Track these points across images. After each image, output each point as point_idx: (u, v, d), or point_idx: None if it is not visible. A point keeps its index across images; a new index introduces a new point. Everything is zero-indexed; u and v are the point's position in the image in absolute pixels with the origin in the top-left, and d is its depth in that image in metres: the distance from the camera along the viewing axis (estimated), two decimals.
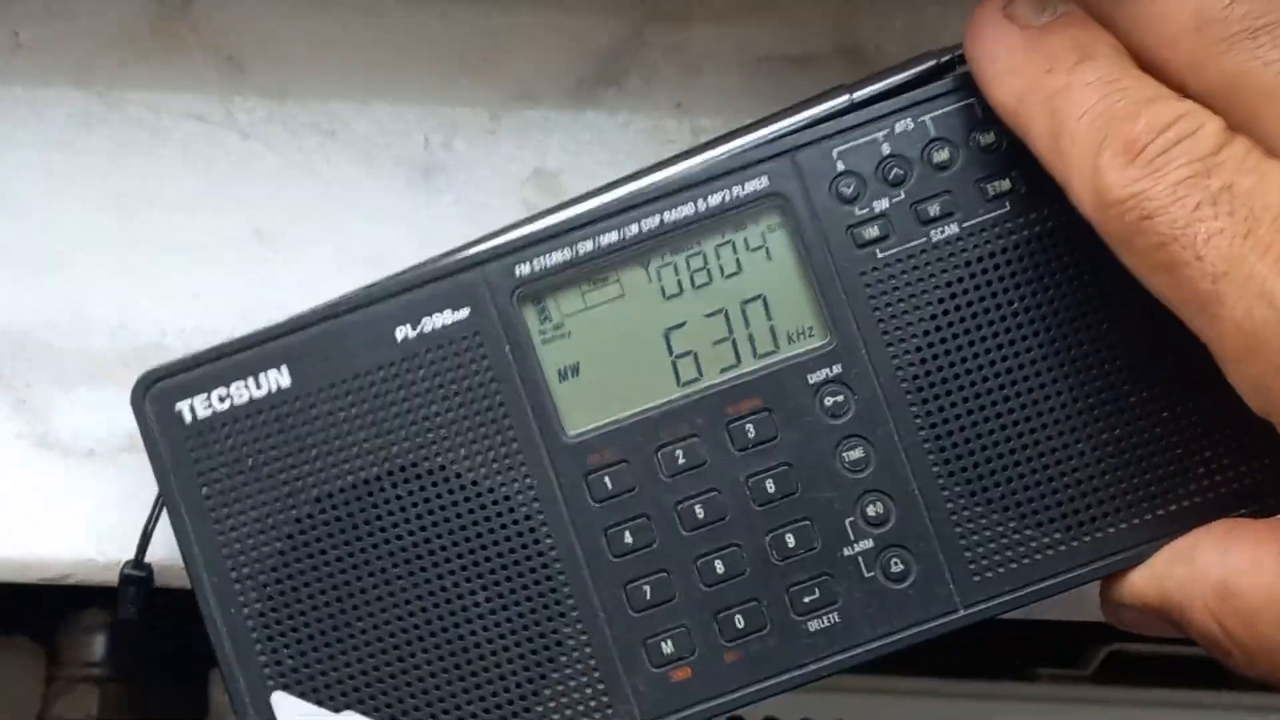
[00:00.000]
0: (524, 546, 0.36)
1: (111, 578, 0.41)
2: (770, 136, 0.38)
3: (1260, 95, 0.30)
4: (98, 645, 0.53)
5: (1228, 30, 0.31)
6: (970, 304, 0.36)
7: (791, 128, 0.38)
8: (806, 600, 0.36)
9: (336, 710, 0.36)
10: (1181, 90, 0.31)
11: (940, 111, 0.37)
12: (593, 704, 0.36)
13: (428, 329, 0.36)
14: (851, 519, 0.36)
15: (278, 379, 0.36)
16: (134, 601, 0.40)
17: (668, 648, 0.36)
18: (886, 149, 0.37)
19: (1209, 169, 0.30)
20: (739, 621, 0.36)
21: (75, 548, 0.41)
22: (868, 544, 0.36)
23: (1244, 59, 0.30)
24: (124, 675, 0.54)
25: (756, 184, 0.37)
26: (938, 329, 0.36)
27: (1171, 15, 0.32)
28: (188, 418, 0.36)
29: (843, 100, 0.39)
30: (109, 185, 0.42)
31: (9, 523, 0.41)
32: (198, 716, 0.57)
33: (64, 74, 0.43)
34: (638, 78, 0.43)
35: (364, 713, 0.36)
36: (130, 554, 0.40)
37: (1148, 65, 0.32)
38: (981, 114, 0.37)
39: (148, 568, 0.40)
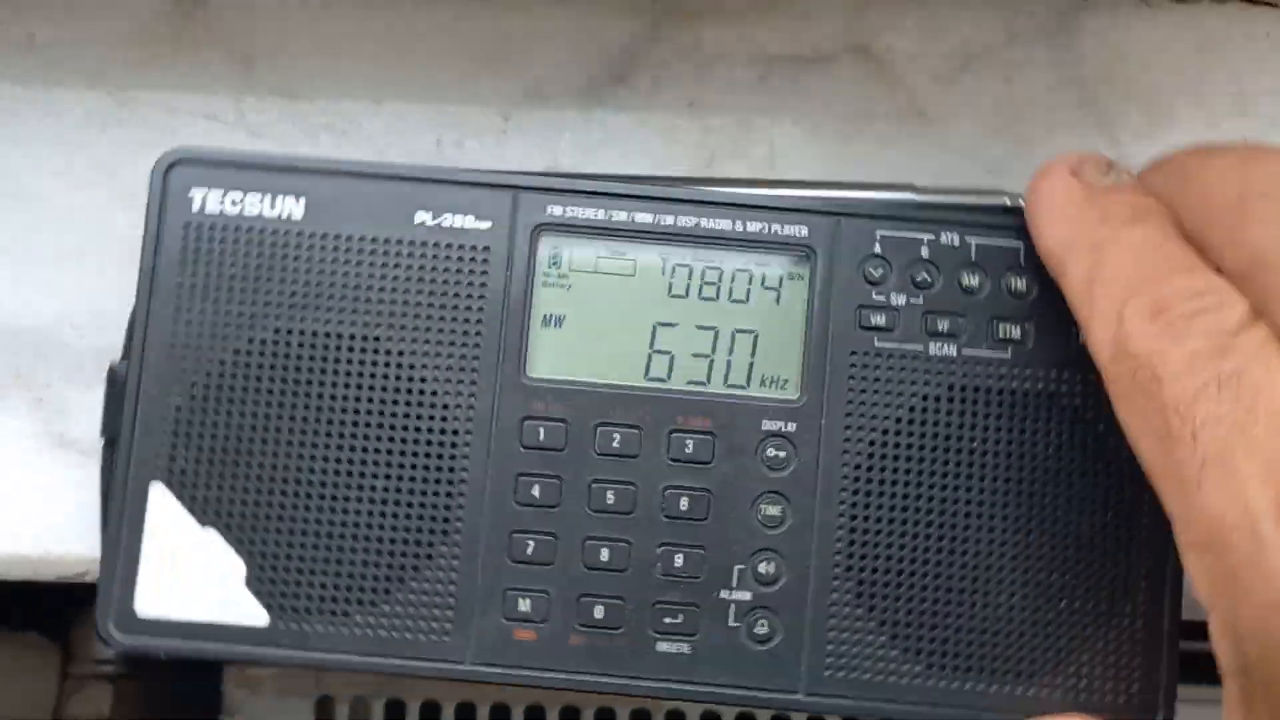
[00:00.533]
0: (440, 457, 0.37)
1: None
2: (829, 196, 0.39)
3: None
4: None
5: (1265, 208, 0.31)
6: (936, 425, 0.37)
7: (852, 196, 0.39)
8: (667, 621, 0.37)
9: (202, 524, 0.36)
10: (1219, 268, 0.32)
11: (987, 241, 0.38)
12: (435, 625, 0.36)
13: (446, 224, 0.37)
14: (742, 567, 0.37)
15: (292, 208, 0.37)
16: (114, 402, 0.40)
17: (524, 605, 0.36)
18: (925, 252, 0.38)
19: (1225, 348, 0.30)
20: (598, 612, 0.36)
21: (91, 546, 0.41)
22: (745, 596, 0.37)
23: (1274, 242, 0.31)
24: (137, 672, 0.55)
25: (795, 230, 0.38)
26: (897, 434, 0.37)
27: (1217, 190, 0.32)
28: (196, 206, 0.37)
29: (908, 195, 0.40)
30: (123, 184, 0.42)
31: (26, 520, 0.41)
32: (210, 714, 0.58)
33: (79, 74, 0.43)
34: (649, 77, 0.44)
35: (225, 537, 0.36)
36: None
37: (1195, 244, 0.33)
38: (1024, 261, 0.37)
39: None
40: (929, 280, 0.37)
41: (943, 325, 0.37)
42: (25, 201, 0.43)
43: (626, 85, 0.44)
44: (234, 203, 0.37)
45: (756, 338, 0.38)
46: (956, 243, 0.38)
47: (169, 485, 0.37)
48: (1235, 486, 0.29)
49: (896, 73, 0.44)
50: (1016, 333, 0.37)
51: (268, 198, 0.37)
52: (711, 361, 0.38)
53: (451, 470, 0.37)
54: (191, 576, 0.36)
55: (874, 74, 0.43)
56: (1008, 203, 0.40)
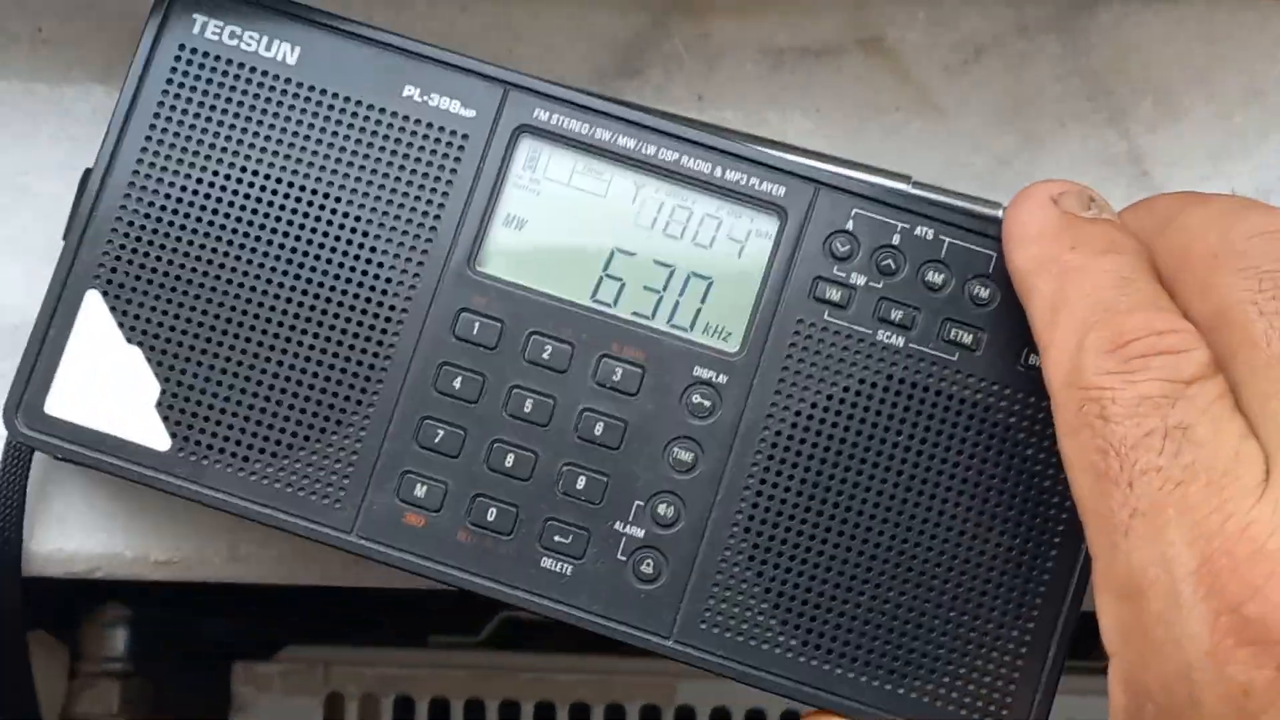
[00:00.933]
0: (370, 327, 0.37)
1: (140, 572, 0.42)
2: (818, 165, 0.39)
3: (1243, 339, 0.30)
4: (119, 640, 0.54)
5: (1240, 263, 0.30)
6: (867, 411, 0.37)
7: (839, 169, 0.39)
8: (556, 539, 0.36)
9: (128, 341, 0.37)
10: (1187, 313, 0.31)
11: (961, 242, 0.37)
12: (329, 489, 0.36)
13: (431, 104, 0.37)
14: (641, 504, 0.36)
15: (287, 54, 0.37)
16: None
17: (419, 491, 0.36)
18: (896, 239, 0.37)
19: (1176, 396, 0.29)
20: (491, 514, 0.36)
21: (102, 542, 0.42)
22: (639, 532, 0.36)
23: (1242, 298, 0.30)
24: (146, 670, 0.55)
25: (772, 188, 0.37)
26: (825, 411, 0.37)
27: (1197, 238, 0.32)
28: (196, 29, 0.37)
29: (902, 184, 0.40)
30: None
31: (36, 517, 0.41)
32: (219, 711, 0.58)
33: (88, 69, 0.43)
34: (658, 69, 0.43)
35: (146, 357, 0.37)
36: (158, 547, 0.42)
37: (1168, 287, 0.32)
38: (993, 269, 0.37)
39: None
40: (893, 268, 0.37)
41: (896, 315, 0.37)
42: (33, 197, 0.42)
43: (636, 79, 0.43)
44: (232, 36, 0.37)
45: (710, 285, 0.37)
46: (930, 237, 0.37)
47: (104, 295, 0.37)
48: (1162, 544, 0.28)
49: (906, 64, 0.43)
50: (968, 338, 0.37)
51: (265, 39, 0.37)
52: (660, 298, 0.37)
53: (379, 344, 0.37)
54: (106, 388, 0.37)
55: (883, 66, 0.43)
56: (1000, 214, 0.39)
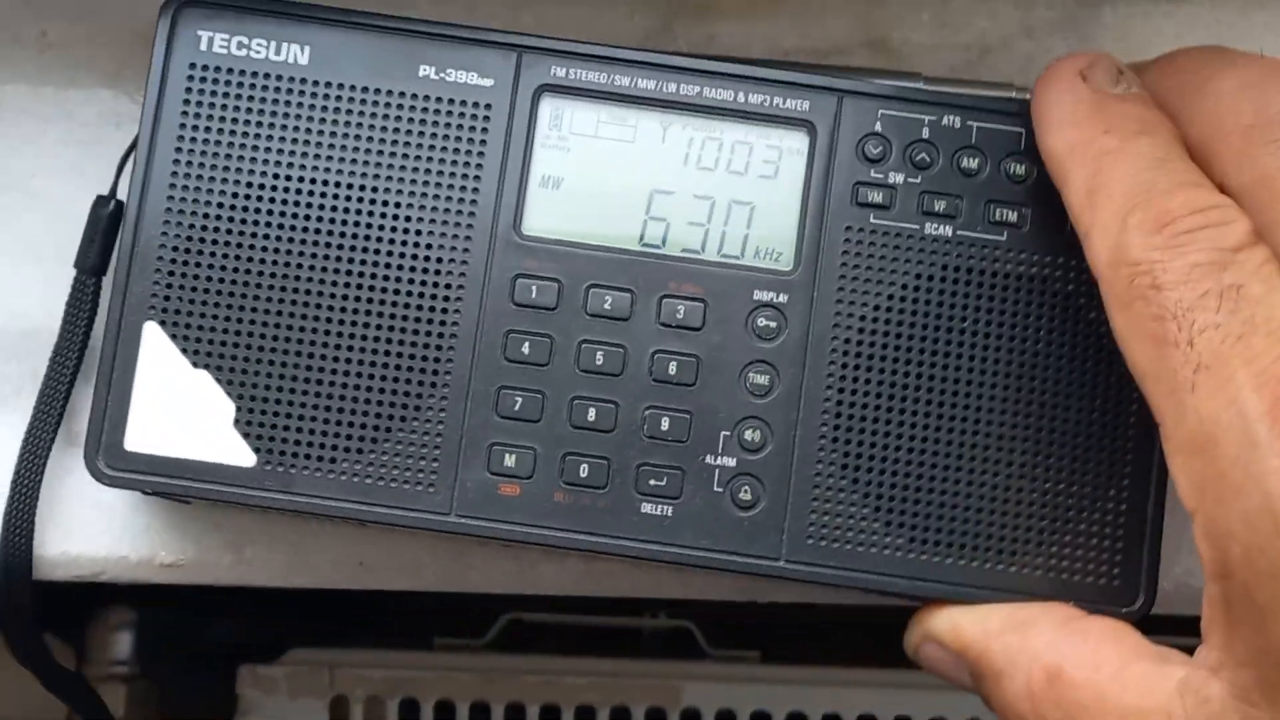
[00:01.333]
0: (431, 309, 0.37)
1: (145, 575, 0.42)
2: (837, 77, 0.39)
3: None
4: (125, 643, 0.54)
5: (1276, 133, 0.31)
6: (928, 304, 0.37)
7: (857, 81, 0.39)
8: (652, 483, 0.37)
9: (195, 365, 0.37)
10: (1223, 185, 0.32)
11: (989, 125, 0.38)
12: (420, 475, 0.37)
13: (449, 79, 0.37)
14: (728, 434, 0.37)
15: (298, 55, 0.37)
16: (99, 238, 0.40)
17: (509, 461, 0.37)
18: (925, 133, 0.38)
19: (1226, 263, 0.30)
20: (583, 470, 0.37)
21: (107, 545, 0.41)
22: (730, 462, 0.37)
23: None
24: (151, 672, 0.55)
25: (796, 104, 0.38)
26: (888, 311, 0.37)
27: (1229, 110, 0.32)
28: (204, 45, 0.37)
29: (916, 84, 0.40)
30: None
31: (41, 520, 0.41)
32: (225, 713, 0.57)
33: (94, 73, 0.43)
34: None
35: (215, 379, 0.37)
36: (164, 550, 0.42)
37: (1200, 157, 0.33)
38: (1024, 145, 0.37)
39: (119, 204, 0.40)
40: (928, 160, 0.38)
41: (939, 205, 0.37)
42: (41, 200, 0.42)
43: None
44: (240, 46, 0.37)
45: (753, 209, 0.38)
46: (958, 125, 0.38)
47: (163, 325, 0.37)
48: (1230, 391, 0.29)
49: (913, 66, 0.43)
50: (1013, 216, 0.37)
51: (274, 44, 0.37)
52: (706, 231, 0.38)
53: (443, 324, 0.37)
54: (181, 415, 0.37)
55: (890, 67, 0.43)
56: (1014, 95, 0.40)
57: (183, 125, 0.37)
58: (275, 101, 0.37)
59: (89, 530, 0.42)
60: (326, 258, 0.37)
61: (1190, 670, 0.31)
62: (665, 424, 0.37)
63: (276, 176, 0.37)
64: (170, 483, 0.36)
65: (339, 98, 0.37)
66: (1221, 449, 0.29)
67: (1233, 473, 0.29)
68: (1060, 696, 0.32)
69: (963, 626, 0.36)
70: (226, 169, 0.37)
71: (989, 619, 0.35)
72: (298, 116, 0.37)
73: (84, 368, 0.40)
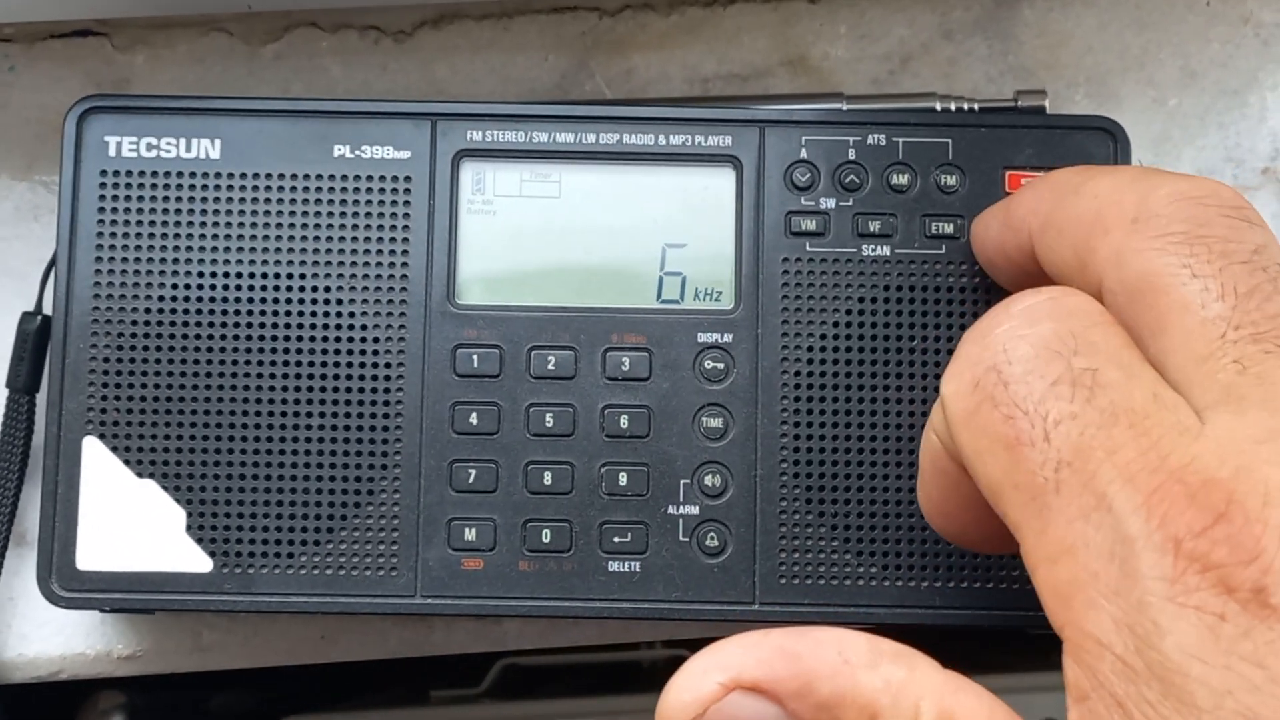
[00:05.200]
0: (373, 390, 0.36)
1: (104, 670, 0.41)
2: (756, 107, 0.39)
3: (1172, 304, 0.28)
4: None
5: (1166, 228, 0.28)
6: (874, 326, 0.37)
7: (779, 108, 0.39)
8: (616, 540, 0.36)
9: (140, 475, 0.36)
10: (1099, 290, 0.30)
11: (914, 139, 0.37)
12: (381, 560, 0.36)
13: (365, 155, 0.37)
14: (687, 481, 0.36)
15: (209, 150, 0.37)
16: (29, 355, 0.40)
17: (470, 535, 0.36)
18: (852, 154, 0.37)
19: (1078, 346, 0.27)
20: (546, 536, 0.36)
21: (62, 644, 0.41)
22: (693, 510, 0.36)
23: (1171, 262, 0.28)
24: None
25: (718, 141, 0.37)
26: (834, 339, 0.37)
27: (1110, 204, 0.30)
28: (112, 152, 0.37)
29: (837, 104, 0.40)
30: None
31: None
32: None
33: (5, 169, 0.43)
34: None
35: (162, 486, 0.36)
36: (120, 644, 0.41)
37: (1076, 263, 0.31)
38: (952, 155, 0.37)
39: (45, 319, 0.39)
40: (858, 182, 0.37)
41: (874, 226, 0.37)
42: None
43: None
44: (149, 147, 0.37)
45: (687, 251, 0.37)
46: (883, 142, 0.37)
47: (102, 438, 0.36)
48: (1098, 487, 0.26)
49: (835, 80, 0.43)
50: (949, 228, 0.37)
51: (183, 140, 0.37)
52: (643, 278, 0.37)
53: (387, 404, 0.36)
54: (131, 528, 0.36)
55: (813, 84, 0.43)
56: (937, 106, 0.40)
57: (100, 234, 0.36)
58: (192, 199, 0.37)
59: (44, 630, 0.41)
60: (261, 350, 0.36)
61: None
62: (623, 479, 0.36)
63: (201, 275, 0.36)
64: (127, 598, 0.36)
65: (256, 188, 0.37)
66: (1093, 549, 0.26)
67: (1106, 572, 0.26)
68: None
69: (809, 659, 0.29)
70: (150, 273, 0.36)
71: (848, 647, 0.28)
72: (216, 211, 0.37)
73: (30, 470, 0.40)
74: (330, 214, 0.37)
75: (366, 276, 0.36)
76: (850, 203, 0.37)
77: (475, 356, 0.36)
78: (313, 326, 0.36)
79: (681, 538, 0.36)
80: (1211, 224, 0.28)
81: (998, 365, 0.27)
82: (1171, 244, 0.28)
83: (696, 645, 0.59)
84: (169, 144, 0.37)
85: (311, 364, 0.36)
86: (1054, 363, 0.27)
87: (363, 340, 0.36)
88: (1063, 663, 0.27)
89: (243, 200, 0.37)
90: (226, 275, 0.36)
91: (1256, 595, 0.25)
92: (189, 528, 0.36)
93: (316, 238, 0.37)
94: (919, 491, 0.31)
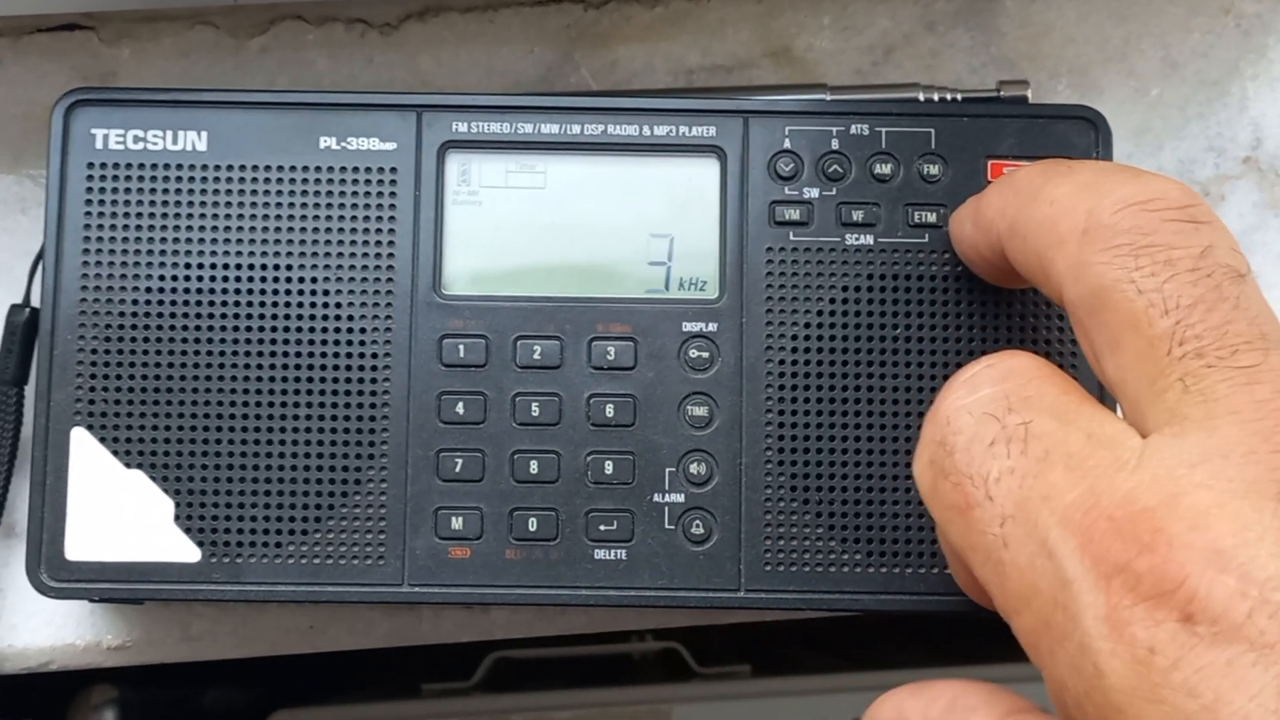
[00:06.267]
0: (360, 380, 0.36)
1: (94, 660, 0.41)
2: (740, 98, 0.39)
3: (1124, 321, 0.28)
4: None
5: (1113, 240, 0.28)
6: (858, 315, 0.37)
7: (762, 98, 0.39)
8: (602, 529, 0.36)
9: (128, 466, 0.36)
10: (1061, 299, 0.30)
11: (897, 128, 0.37)
12: (368, 549, 0.36)
13: (351, 148, 0.37)
14: (673, 470, 0.37)
15: (195, 142, 0.37)
16: (17, 348, 0.40)
17: (457, 523, 0.36)
18: (835, 144, 0.37)
19: (1011, 404, 0.28)
20: (532, 524, 0.36)
21: (52, 634, 0.41)
22: (679, 498, 0.36)
23: (1119, 276, 0.28)
24: None
25: (702, 131, 0.37)
26: (818, 327, 0.37)
27: (1064, 214, 0.30)
28: (99, 144, 0.37)
29: (820, 96, 0.40)
30: None
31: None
32: None
33: None
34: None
35: (150, 477, 0.36)
36: (109, 634, 0.41)
37: (1039, 273, 0.31)
38: (934, 145, 0.37)
39: (34, 311, 0.40)
40: (841, 171, 0.37)
41: (857, 215, 0.37)
42: None
43: None
44: (136, 139, 0.37)
45: (673, 241, 0.38)
46: (866, 132, 0.38)
47: (90, 429, 0.36)
48: (1039, 534, 0.27)
49: (819, 72, 0.43)
50: (932, 217, 0.37)
51: (170, 134, 0.37)
52: (628, 268, 0.37)
53: (374, 394, 0.36)
54: (120, 518, 0.36)
55: (796, 75, 0.43)
56: (920, 97, 0.40)
57: (87, 226, 0.37)
58: (179, 191, 0.37)
59: (33, 622, 0.41)
60: (249, 341, 0.36)
61: None
62: (609, 467, 0.36)
63: (189, 266, 0.37)
64: (116, 588, 0.36)
65: (242, 179, 0.37)
66: (1042, 597, 0.26)
67: (1054, 618, 0.26)
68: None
69: (908, 713, 0.32)
70: (137, 264, 0.37)
71: (932, 706, 0.31)
72: (203, 203, 0.37)
73: (20, 462, 0.40)
74: (317, 205, 0.37)
75: (353, 267, 0.37)
76: (834, 192, 0.37)
77: (461, 346, 0.37)
78: (300, 317, 0.36)
79: (667, 525, 0.36)
80: (1157, 231, 0.28)
81: (944, 439, 0.28)
82: (1118, 257, 0.28)
83: (689, 638, 0.60)
84: (156, 136, 0.37)
85: (299, 354, 0.36)
86: (989, 426, 0.28)
87: (349, 330, 0.37)
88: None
89: (229, 192, 0.37)
90: (214, 266, 0.37)
91: (1184, 623, 0.25)
92: (177, 518, 0.36)
93: (303, 229, 0.37)
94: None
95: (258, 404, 0.36)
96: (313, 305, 0.37)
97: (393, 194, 0.37)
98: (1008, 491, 0.27)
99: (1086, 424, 0.27)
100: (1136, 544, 0.25)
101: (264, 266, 0.37)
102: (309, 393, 0.36)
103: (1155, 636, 0.25)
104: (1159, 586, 0.25)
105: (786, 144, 0.37)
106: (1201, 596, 0.24)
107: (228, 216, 0.37)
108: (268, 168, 0.37)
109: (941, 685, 0.31)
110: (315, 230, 0.37)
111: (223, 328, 0.36)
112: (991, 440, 0.28)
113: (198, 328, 0.36)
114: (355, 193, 0.37)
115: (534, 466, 0.36)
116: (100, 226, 0.37)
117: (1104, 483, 0.26)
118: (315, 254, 0.37)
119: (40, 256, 0.39)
